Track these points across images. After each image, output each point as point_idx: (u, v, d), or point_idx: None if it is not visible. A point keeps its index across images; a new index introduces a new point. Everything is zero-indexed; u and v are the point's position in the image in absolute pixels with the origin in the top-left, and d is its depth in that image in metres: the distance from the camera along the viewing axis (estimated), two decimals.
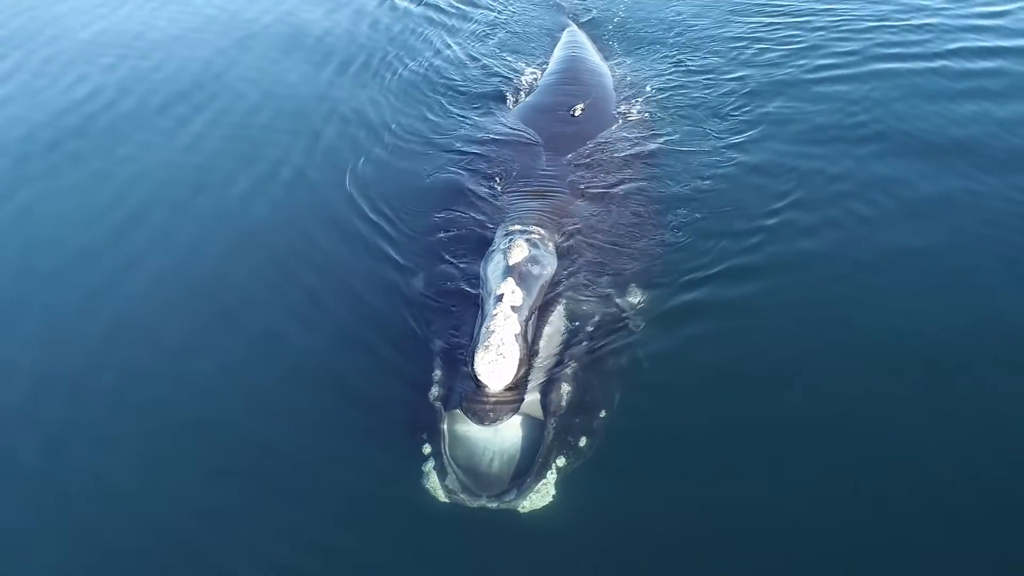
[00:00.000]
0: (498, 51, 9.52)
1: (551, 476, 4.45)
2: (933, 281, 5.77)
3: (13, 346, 5.65)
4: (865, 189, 6.64)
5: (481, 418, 4.48)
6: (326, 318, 5.62)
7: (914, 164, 6.97)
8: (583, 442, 4.63)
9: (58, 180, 7.49)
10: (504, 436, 4.61)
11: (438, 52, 9.71)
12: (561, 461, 4.52)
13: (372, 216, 6.51)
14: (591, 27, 10.20)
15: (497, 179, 6.54)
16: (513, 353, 4.47)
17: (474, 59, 9.38)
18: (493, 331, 4.51)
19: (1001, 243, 6.07)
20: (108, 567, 4.34)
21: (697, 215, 6.35)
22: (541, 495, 4.40)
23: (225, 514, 4.49)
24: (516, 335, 4.53)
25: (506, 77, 8.92)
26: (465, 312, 5.11)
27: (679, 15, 10.20)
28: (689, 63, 8.93)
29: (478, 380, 4.46)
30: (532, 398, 4.67)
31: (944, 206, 6.44)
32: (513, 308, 4.64)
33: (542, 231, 5.47)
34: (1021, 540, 4.27)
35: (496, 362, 4.43)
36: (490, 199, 6.29)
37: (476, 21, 10.44)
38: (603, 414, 4.83)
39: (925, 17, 9.65)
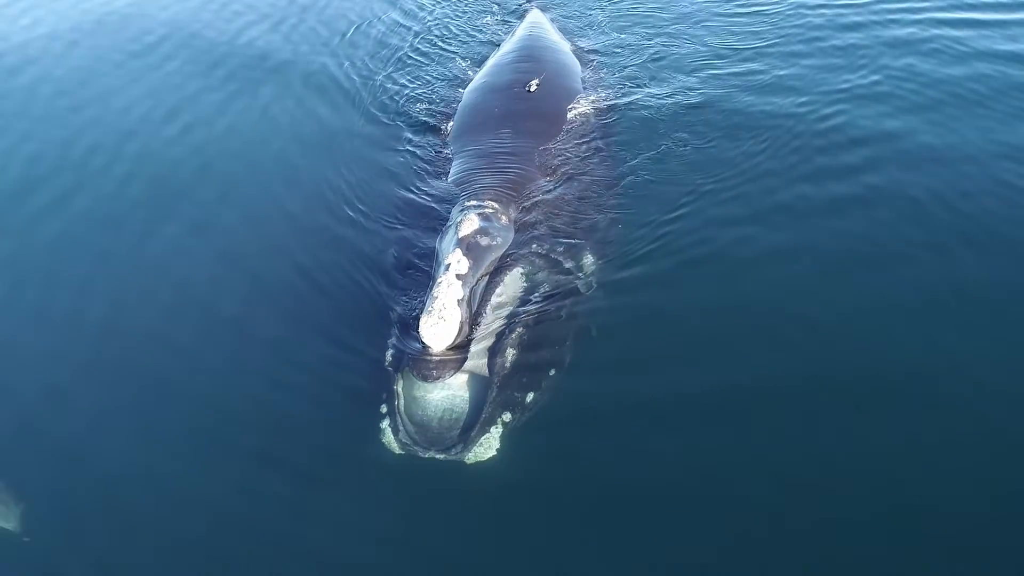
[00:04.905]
0: (457, 30, 9.65)
1: (495, 430, 4.80)
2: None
3: None
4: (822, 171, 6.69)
5: (425, 376, 4.88)
6: (295, 294, 5.97)
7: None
8: (530, 398, 4.97)
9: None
10: (452, 394, 4.98)
11: (395, 28, 9.88)
12: (507, 416, 4.86)
13: (335, 197, 6.84)
14: (554, 9, 10.16)
15: (456, 156, 6.81)
16: (454, 317, 4.84)
17: (432, 37, 9.53)
18: (436, 297, 4.90)
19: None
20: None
21: (652, 186, 6.54)
22: (485, 448, 4.75)
23: (188, 475, 4.91)
24: (458, 300, 4.90)
25: (464, 56, 9.05)
26: (421, 283, 5.48)
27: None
28: (649, 43, 8.97)
29: (422, 341, 4.85)
30: (479, 358, 5.03)
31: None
32: (458, 276, 5.01)
33: (496, 205, 5.82)
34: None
35: (437, 325, 4.81)
36: (449, 177, 6.57)
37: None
38: (552, 372, 5.14)
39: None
